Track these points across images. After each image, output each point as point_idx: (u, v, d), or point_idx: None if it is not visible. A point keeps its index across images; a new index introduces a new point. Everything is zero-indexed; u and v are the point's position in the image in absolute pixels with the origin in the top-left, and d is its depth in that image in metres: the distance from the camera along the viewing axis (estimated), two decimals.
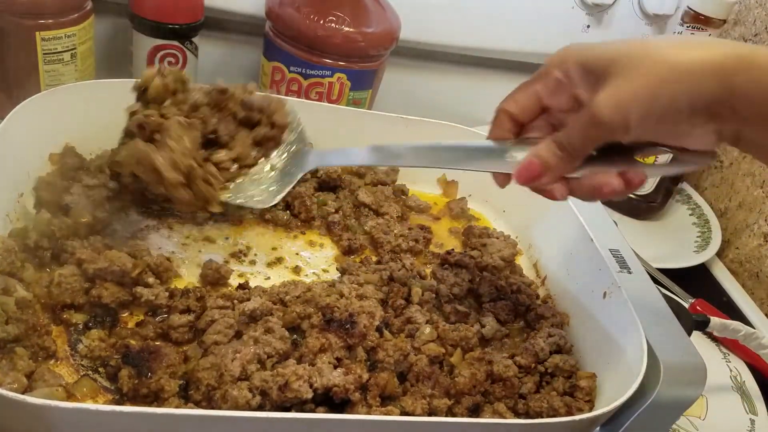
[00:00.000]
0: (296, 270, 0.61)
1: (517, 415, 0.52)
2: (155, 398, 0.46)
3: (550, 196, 0.49)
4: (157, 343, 0.49)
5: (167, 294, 0.53)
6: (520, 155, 0.48)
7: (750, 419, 0.69)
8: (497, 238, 0.69)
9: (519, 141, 0.50)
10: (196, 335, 0.51)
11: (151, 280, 0.53)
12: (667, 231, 0.96)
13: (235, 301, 0.53)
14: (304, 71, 0.77)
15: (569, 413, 0.51)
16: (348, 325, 0.51)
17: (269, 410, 0.46)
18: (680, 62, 0.41)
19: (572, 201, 0.65)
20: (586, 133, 0.44)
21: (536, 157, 0.47)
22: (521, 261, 0.69)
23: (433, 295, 0.60)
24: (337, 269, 0.63)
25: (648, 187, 0.93)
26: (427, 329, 0.55)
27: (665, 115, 0.42)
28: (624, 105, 0.42)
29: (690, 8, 0.81)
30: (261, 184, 0.56)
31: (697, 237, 0.95)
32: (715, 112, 0.41)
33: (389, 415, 0.47)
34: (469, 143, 0.53)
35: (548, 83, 0.48)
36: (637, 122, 0.42)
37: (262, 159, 0.57)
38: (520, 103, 0.50)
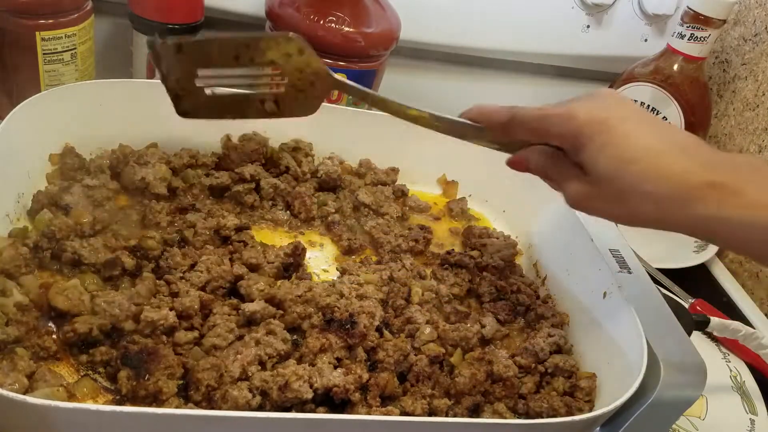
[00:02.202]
0: None
1: (517, 415, 0.52)
2: (154, 399, 0.46)
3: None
4: (155, 345, 0.49)
5: (175, 316, 0.50)
6: None
7: (750, 419, 0.68)
8: (497, 238, 0.69)
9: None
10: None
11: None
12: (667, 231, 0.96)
13: (239, 310, 0.53)
14: None
15: (569, 413, 0.51)
16: (348, 326, 0.52)
17: (269, 410, 0.46)
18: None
19: None
20: (560, 186, 0.50)
21: (525, 159, 0.52)
22: (521, 261, 0.69)
23: (433, 295, 0.60)
24: (337, 269, 0.63)
25: None
26: (427, 329, 0.55)
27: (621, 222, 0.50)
28: (587, 207, 0.49)
29: (690, 8, 0.81)
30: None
31: None
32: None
33: (389, 415, 0.47)
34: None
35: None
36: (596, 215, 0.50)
37: None
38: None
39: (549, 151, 0.50)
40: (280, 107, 0.52)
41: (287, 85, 0.51)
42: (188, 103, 0.50)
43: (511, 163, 0.54)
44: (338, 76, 0.53)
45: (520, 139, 0.51)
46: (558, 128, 0.47)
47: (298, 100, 0.52)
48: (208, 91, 0.50)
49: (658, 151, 0.43)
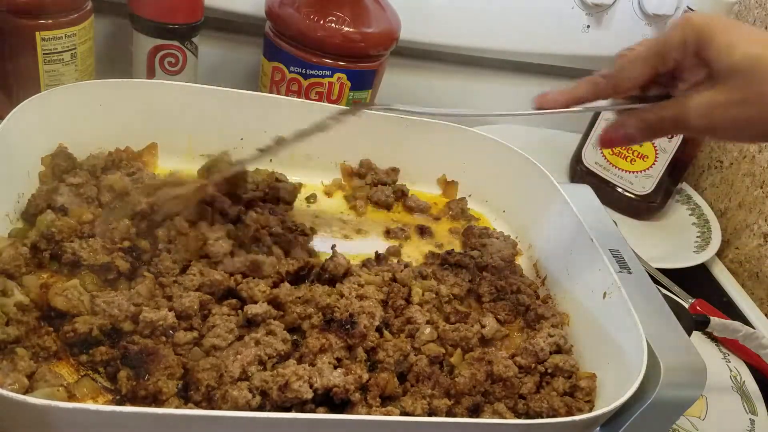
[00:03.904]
0: None
1: (517, 415, 0.52)
2: (154, 400, 0.45)
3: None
4: (155, 345, 0.49)
5: (174, 316, 0.50)
6: None
7: (750, 419, 0.69)
8: (497, 238, 0.69)
9: None
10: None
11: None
12: (667, 231, 0.96)
13: (238, 310, 0.53)
14: (304, 71, 0.77)
15: (569, 413, 0.51)
16: (348, 326, 0.52)
17: (269, 410, 0.46)
18: None
19: (572, 201, 0.65)
20: (673, 125, 0.47)
21: (622, 127, 0.49)
22: (521, 261, 0.69)
23: (434, 295, 0.60)
24: None
25: (648, 187, 0.93)
26: (428, 329, 0.55)
27: (748, 138, 0.46)
28: (717, 121, 0.44)
29: (690, 8, 0.81)
30: None
31: (697, 237, 0.95)
32: None
33: (389, 415, 0.47)
34: None
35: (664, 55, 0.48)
36: (720, 137, 0.46)
37: None
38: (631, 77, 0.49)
39: (652, 93, 0.48)
40: None
41: None
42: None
43: (606, 141, 0.51)
44: None
45: (628, 87, 0.49)
46: (678, 35, 0.45)
47: None
48: None
49: None
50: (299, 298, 0.54)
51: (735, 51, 0.43)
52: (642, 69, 0.48)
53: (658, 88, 0.50)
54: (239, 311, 0.53)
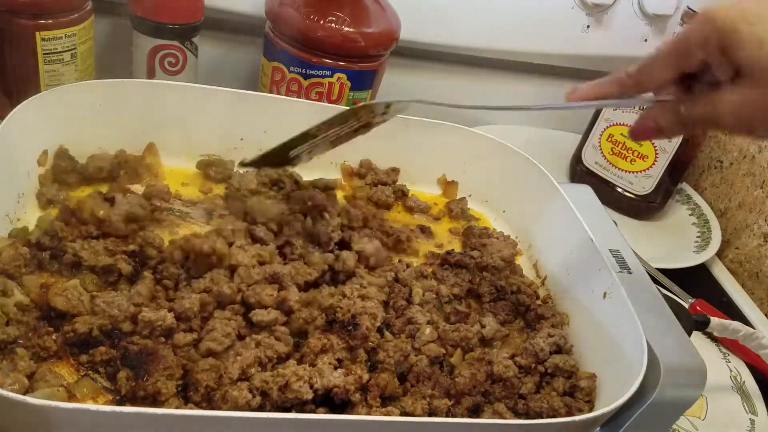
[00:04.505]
0: None
1: (517, 415, 0.52)
2: (153, 400, 0.45)
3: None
4: (155, 345, 0.48)
5: (173, 317, 0.50)
6: None
7: (750, 419, 0.69)
8: (497, 238, 0.69)
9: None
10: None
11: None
12: (667, 231, 0.96)
13: (239, 317, 0.52)
14: (304, 71, 0.77)
15: (569, 413, 0.51)
16: (350, 327, 0.51)
17: (269, 411, 0.46)
18: None
19: (572, 201, 0.65)
20: (705, 122, 0.45)
21: (653, 120, 0.47)
22: (521, 261, 0.69)
23: (434, 296, 0.60)
24: None
25: (648, 187, 0.93)
26: (428, 330, 0.55)
27: None
28: (752, 119, 0.42)
29: (690, 8, 0.81)
30: None
31: (697, 237, 0.95)
32: None
33: (389, 415, 0.47)
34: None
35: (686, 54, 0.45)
36: (758, 136, 0.43)
37: None
38: (653, 75, 0.48)
39: (679, 93, 0.46)
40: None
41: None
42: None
43: (638, 133, 0.49)
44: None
45: (652, 88, 0.48)
46: (698, 34, 0.42)
47: None
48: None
49: None
50: (302, 299, 0.54)
51: (764, 45, 0.40)
52: (664, 70, 0.46)
53: (691, 83, 0.47)
54: (242, 316, 0.52)
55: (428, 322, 0.56)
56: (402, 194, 0.73)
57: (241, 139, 0.69)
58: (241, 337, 0.50)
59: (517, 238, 0.71)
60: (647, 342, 0.51)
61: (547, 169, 0.69)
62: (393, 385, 0.50)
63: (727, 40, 0.41)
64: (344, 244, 0.62)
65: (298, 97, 0.78)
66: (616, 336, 0.54)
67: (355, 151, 0.74)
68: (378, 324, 0.53)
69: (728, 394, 0.71)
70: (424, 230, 0.70)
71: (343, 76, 0.78)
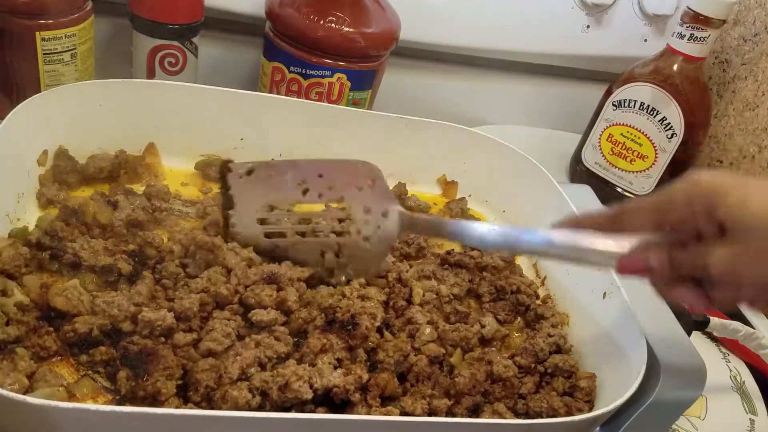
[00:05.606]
0: None
1: (517, 415, 0.52)
2: (153, 400, 0.45)
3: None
4: (155, 345, 0.48)
5: (173, 317, 0.50)
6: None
7: (750, 419, 0.68)
8: None
9: None
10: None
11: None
12: None
13: (239, 317, 0.52)
14: (304, 71, 0.77)
15: (569, 413, 0.51)
16: (350, 327, 0.51)
17: (269, 410, 0.46)
18: None
19: (572, 201, 0.65)
20: (696, 272, 0.44)
21: (644, 257, 0.46)
22: (521, 261, 0.69)
23: (434, 296, 0.60)
24: None
25: (648, 187, 0.93)
26: (428, 329, 0.55)
27: None
28: (742, 277, 0.42)
29: (689, 8, 0.81)
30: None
31: None
32: None
33: (389, 415, 0.47)
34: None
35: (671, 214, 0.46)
36: (744, 296, 0.43)
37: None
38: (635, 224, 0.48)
39: (670, 237, 0.46)
40: (340, 259, 0.56)
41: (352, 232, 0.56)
42: (242, 235, 0.57)
43: (625, 268, 0.48)
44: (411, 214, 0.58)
45: (628, 231, 0.47)
46: (684, 195, 0.44)
47: (360, 251, 0.56)
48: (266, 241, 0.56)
49: None
50: (301, 299, 0.54)
51: (749, 205, 0.41)
52: (643, 222, 0.46)
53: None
54: (241, 315, 0.52)
55: (428, 322, 0.56)
56: (402, 194, 0.73)
57: (241, 139, 0.69)
58: (240, 337, 0.50)
59: None
60: (647, 342, 0.51)
61: (547, 169, 0.69)
62: (393, 384, 0.50)
63: (715, 201, 0.42)
64: None
65: (298, 97, 0.78)
66: (616, 336, 0.55)
67: (355, 151, 0.73)
68: (378, 324, 0.53)
69: (728, 394, 0.71)
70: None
71: (343, 76, 0.78)
